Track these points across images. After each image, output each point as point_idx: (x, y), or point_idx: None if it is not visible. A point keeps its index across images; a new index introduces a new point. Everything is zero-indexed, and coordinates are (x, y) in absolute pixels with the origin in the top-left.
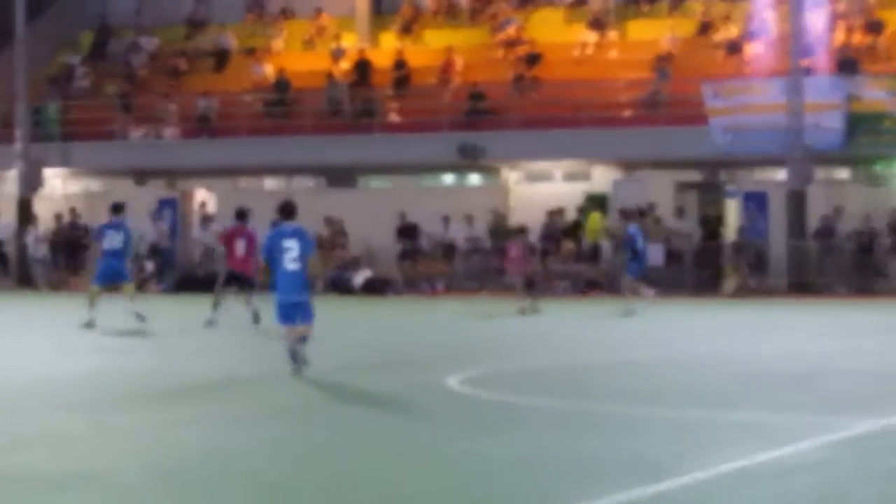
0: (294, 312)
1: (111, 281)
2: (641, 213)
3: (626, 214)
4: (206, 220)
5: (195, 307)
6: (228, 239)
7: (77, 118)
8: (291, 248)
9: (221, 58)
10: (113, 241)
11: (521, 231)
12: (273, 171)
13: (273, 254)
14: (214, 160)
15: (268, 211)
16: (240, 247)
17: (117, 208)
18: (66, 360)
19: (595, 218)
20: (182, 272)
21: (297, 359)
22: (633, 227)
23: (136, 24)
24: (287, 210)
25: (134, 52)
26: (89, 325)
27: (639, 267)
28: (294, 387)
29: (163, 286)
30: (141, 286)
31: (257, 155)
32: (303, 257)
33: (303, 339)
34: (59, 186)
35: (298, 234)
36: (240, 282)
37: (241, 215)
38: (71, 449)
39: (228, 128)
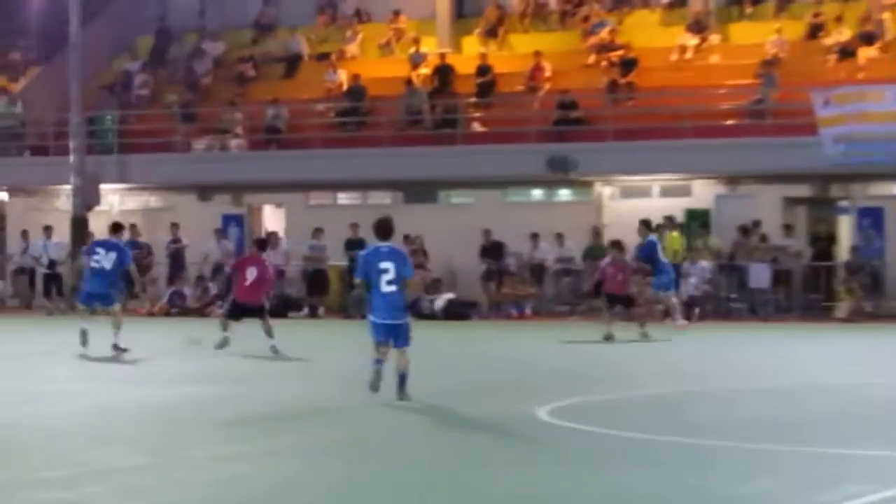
0: (390, 334)
1: (96, 303)
2: (658, 227)
3: (646, 225)
4: (274, 238)
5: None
6: (239, 267)
7: (135, 129)
8: (388, 269)
9: (291, 63)
10: (102, 260)
11: (617, 245)
12: (347, 185)
13: (369, 275)
14: (284, 174)
15: (341, 228)
16: (250, 275)
17: (116, 228)
18: (125, 387)
19: (674, 238)
20: None
21: (379, 372)
22: (652, 239)
23: (199, 28)
24: (384, 229)
25: (197, 57)
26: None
27: (667, 280)
28: (373, 415)
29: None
30: (205, 309)
31: (330, 168)
32: (399, 279)
33: (401, 378)
34: (116, 203)
35: (395, 256)
36: (247, 312)
37: (261, 244)
38: (133, 485)
39: (299, 139)
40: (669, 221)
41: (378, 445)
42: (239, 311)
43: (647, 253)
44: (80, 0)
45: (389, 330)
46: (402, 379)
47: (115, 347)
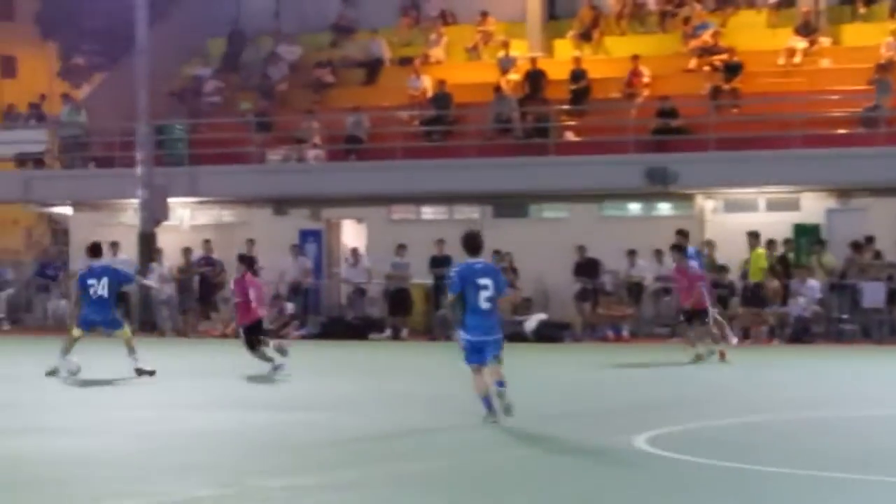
0: (485, 351)
1: (98, 327)
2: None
3: (684, 238)
4: (356, 255)
5: (343, 354)
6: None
7: (206, 139)
8: (486, 286)
9: (372, 68)
10: (98, 289)
11: (677, 249)
12: (431, 198)
13: (465, 291)
14: (364, 186)
15: (426, 245)
16: (253, 296)
17: (94, 250)
18: (196, 413)
19: (759, 255)
20: (328, 315)
21: (491, 406)
22: (692, 251)
23: (274, 31)
24: (474, 244)
25: (272, 62)
26: (53, 373)
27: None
28: (465, 442)
29: (305, 330)
30: (280, 330)
31: (413, 180)
32: (496, 296)
33: (500, 384)
34: (187, 217)
35: (491, 272)
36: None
37: (247, 261)
38: None
39: (380, 149)
40: (754, 238)
41: (474, 475)
42: (256, 335)
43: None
44: (147, 1)
45: (485, 347)
46: (501, 384)
47: (140, 371)
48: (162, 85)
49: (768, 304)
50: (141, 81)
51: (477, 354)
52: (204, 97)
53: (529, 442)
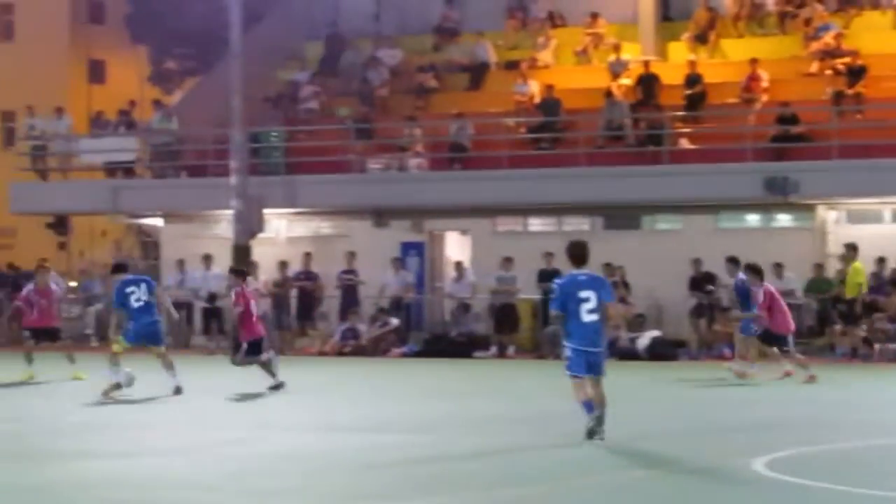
0: (589, 363)
1: (144, 341)
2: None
3: (734, 263)
4: (460, 269)
5: (445, 372)
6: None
7: (304, 146)
8: (588, 298)
9: (477, 73)
10: (141, 295)
11: (752, 270)
12: (539, 209)
13: (567, 304)
14: (468, 197)
15: (533, 258)
16: (254, 308)
17: (118, 269)
18: (288, 435)
19: (857, 269)
20: (431, 331)
21: (593, 409)
22: (741, 277)
23: (374, 34)
24: (579, 255)
25: (372, 66)
26: (109, 392)
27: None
28: (582, 463)
29: (406, 348)
30: (380, 346)
31: (520, 190)
32: (600, 307)
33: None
34: (283, 229)
35: (595, 283)
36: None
37: (241, 273)
38: None
39: (485, 157)
40: (852, 250)
41: (588, 498)
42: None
43: (738, 293)
44: (242, 3)
45: (589, 358)
46: (600, 419)
47: (178, 390)
48: (256, 90)
49: (862, 319)
50: (234, 87)
51: (580, 364)
52: (300, 103)
53: (646, 463)
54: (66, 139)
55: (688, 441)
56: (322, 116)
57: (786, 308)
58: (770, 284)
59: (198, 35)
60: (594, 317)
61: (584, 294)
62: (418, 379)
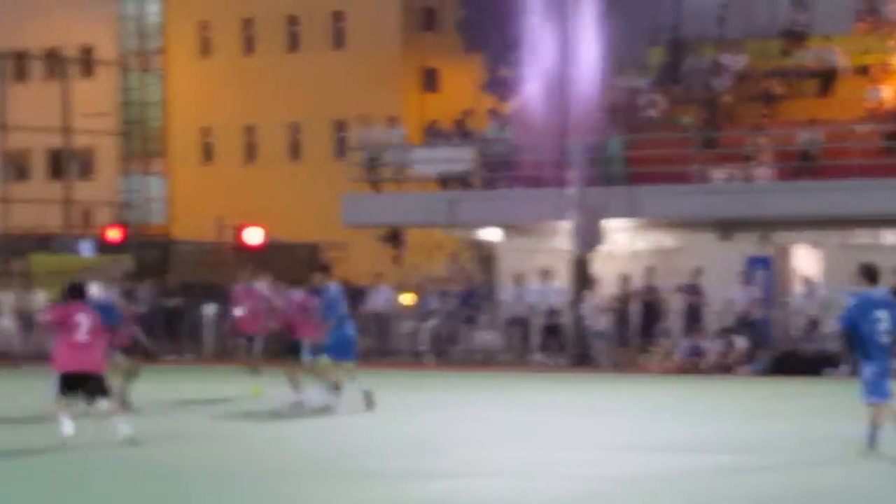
0: (885, 385)
1: (340, 356)
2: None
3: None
4: (809, 284)
5: (795, 391)
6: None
7: (644, 156)
8: (881, 319)
9: (827, 78)
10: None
11: None
12: (894, 221)
13: (859, 324)
14: (818, 208)
15: (887, 272)
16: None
17: (324, 272)
18: (632, 455)
19: None
20: (780, 348)
21: (874, 441)
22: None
23: (718, 39)
24: (870, 274)
25: (715, 72)
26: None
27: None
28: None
29: (754, 366)
30: (728, 365)
31: (873, 201)
32: (894, 329)
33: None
34: (625, 241)
35: (889, 304)
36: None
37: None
38: None
39: (837, 167)
40: None
41: None
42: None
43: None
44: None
45: (885, 383)
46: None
47: (368, 401)
48: (596, 98)
49: None
50: (574, 95)
51: (874, 390)
52: (640, 111)
53: None
54: (399, 149)
55: None
56: (661, 124)
57: None
58: None
59: (535, 41)
60: (888, 339)
61: (877, 314)
62: (764, 398)
